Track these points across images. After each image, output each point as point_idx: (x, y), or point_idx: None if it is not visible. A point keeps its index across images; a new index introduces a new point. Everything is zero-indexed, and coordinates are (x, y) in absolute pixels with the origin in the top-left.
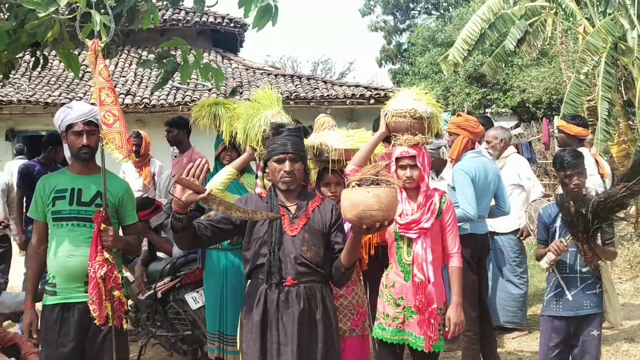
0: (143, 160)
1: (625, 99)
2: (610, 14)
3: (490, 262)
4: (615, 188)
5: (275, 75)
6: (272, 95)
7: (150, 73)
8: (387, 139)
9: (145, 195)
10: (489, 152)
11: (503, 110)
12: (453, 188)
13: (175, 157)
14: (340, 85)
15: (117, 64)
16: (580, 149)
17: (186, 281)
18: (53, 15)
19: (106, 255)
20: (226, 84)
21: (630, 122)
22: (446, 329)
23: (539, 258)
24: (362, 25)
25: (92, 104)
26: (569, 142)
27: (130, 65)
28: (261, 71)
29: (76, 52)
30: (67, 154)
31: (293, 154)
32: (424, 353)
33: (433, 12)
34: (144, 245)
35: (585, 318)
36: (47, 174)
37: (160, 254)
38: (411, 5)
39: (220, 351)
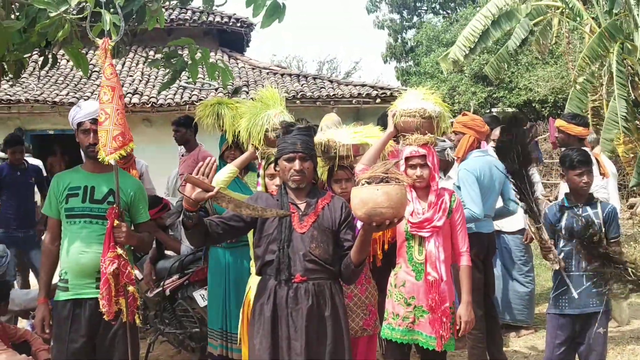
0: (128, 162)
1: (632, 98)
2: (616, 14)
3: (496, 261)
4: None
5: (282, 75)
6: (275, 95)
7: (157, 72)
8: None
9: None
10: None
11: (509, 109)
12: (459, 187)
13: (183, 155)
14: (347, 85)
15: (124, 63)
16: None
17: (194, 279)
18: (64, 15)
19: (119, 251)
20: (232, 83)
21: (638, 122)
22: (457, 327)
23: (545, 256)
24: (367, 22)
25: None
26: (569, 142)
27: (137, 64)
28: (267, 71)
29: (84, 51)
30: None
31: (303, 153)
32: (433, 352)
33: (440, 11)
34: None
35: (591, 316)
36: (61, 172)
37: (167, 252)
38: (418, 4)
39: (224, 348)
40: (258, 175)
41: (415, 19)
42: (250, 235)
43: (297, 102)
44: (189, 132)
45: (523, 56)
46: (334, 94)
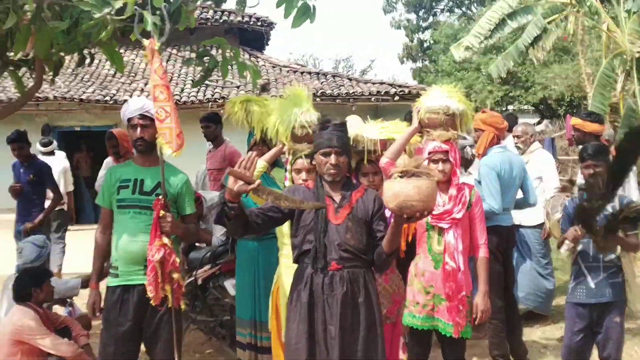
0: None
1: None
2: (635, 12)
3: (516, 253)
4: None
5: (302, 73)
6: (302, 93)
7: (180, 70)
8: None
9: None
10: (518, 146)
11: (525, 107)
12: (479, 182)
13: (210, 151)
14: (365, 83)
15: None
16: None
17: (226, 269)
18: (107, 16)
19: (165, 240)
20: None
21: None
22: (473, 315)
23: (559, 245)
24: (383, 23)
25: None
26: (584, 140)
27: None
28: (287, 69)
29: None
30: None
31: (339, 148)
32: (452, 339)
33: (456, 9)
34: None
35: (608, 305)
36: (115, 165)
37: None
38: (434, 4)
39: (252, 337)
40: (286, 170)
41: (431, 18)
42: (278, 228)
43: (317, 99)
44: (217, 128)
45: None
46: (353, 92)
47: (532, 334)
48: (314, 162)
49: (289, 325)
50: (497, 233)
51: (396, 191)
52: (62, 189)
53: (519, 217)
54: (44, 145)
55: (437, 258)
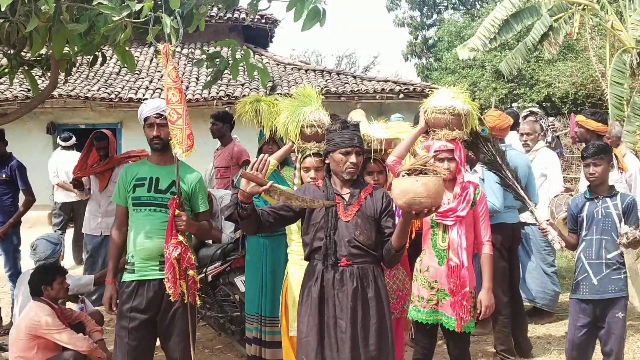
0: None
1: None
2: (636, 9)
3: (521, 248)
4: None
5: (306, 71)
6: (311, 92)
7: (185, 68)
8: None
9: None
10: (527, 143)
11: (529, 105)
12: (484, 180)
13: (217, 149)
14: (370, 80)
15: (151, 60)
16: None
17: (235, 265)
18: (126, 19)
19: (180, 238)
20: (258, 79)
21: None
22: (477, 311)
23: (567, 244)
24: (386, 20)
25: (137, 100)
26: (588, 137)
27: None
28: (291, 66)
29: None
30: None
31: (359, 148)
32: (456, 333)
33: (460, 7)
34: None
35: (610, 301)
36: (130, 164)
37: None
38: (438, 1)
39: (258, 331)
40: (295, 168)
41: (435, 16)
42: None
43: (322, 97)
44: (225, 127)
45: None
46: (357, 90)
47: (536, 329)
48: (327, 161)
49: (300, 320)
50: (502, 230)
51: (404, 188)
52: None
53: (525, 214)
54: (65, 140)
55: (442, 254)
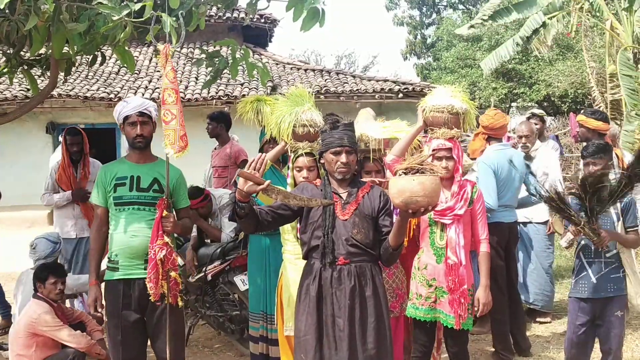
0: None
1: None
2: (636, 11)
3: (522, 249)
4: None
5: (305, 70)
6: (304, 92)
7: (184, 68)
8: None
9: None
10: (526, 145)
11: (529, 104)
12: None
13: (215, 149)
14: (369, 80)
15: (150, 59)
16: None
17: (235, 264)
18: (126, 19)
19: (166, 239)
20: (257, 79)
21: None
22: (475, 308)
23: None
24: (385, 19)
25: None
26: (589, 137)
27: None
28: (290, 66)
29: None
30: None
31: (349, 147)
32: (454, 330)
33: (459, 6)
34: (193, 232)
35: (609, 300)
36: (107, 164)
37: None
38: (437, 0)
39: (264, 330)
40: (288, 168)
41: (434, 15)
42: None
43: (321, 97)
44: (220, 127)
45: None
46: (357, 89)
47: (535, 328)
48: (322, 161)
49: (298, 318)
50: (499, 229)
51: (401, 187)
52: None
53: (529, 214)
54: None
55: (440, 252)
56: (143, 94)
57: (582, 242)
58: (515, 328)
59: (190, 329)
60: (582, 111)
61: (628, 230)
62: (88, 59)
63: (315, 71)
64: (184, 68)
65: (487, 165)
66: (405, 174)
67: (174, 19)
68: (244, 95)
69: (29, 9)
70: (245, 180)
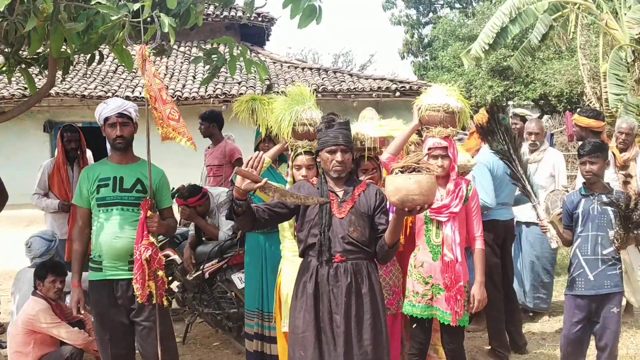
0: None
1: None
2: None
3: (525, 250)
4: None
5: (302, 69)
6: (305, 91)
7: (181, 66)
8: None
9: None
10: (534, 143)
11: (525, 103)
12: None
13: (209, 147)
14: (366, 79)
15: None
16: None
17: (232, 262)
18: (124, 19)
19: (151, 239)
20: (255, 77)
21: None
22: (470, 304)
23: (563, 242)
24: (382, 18)
25: (134, 98)
26: (584, 135)
27: (161, 59)
28: (288, 64)
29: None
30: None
31: (344, 146)
32: (450, 327)
33: (456, 5)
34: (191, 230)
35: (606, 297)
36: (90, 165)
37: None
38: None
39: (259, 327)
40: (288, 166)
41: (431, 14)
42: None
43: (319, 95)
44: (212, 126)
45: (539, 51)
46: (354, 88)
47: (531, 325)
48: (319, 159)
49: (295, 315)
50: (494, 227)
51: (398, 186)
52: None
53: (530, 213)
54: None
55: (436, 250)
56: (140, 93)
57: (579, 240)
58: (511, 325)
59: (188, 326)
60: (578, 111)
61: None
62: (86, 57)
63: (313, 70)
64: (181, 67)
65: (483, 164)
66: (402, 172)
67: (172, 19)
68: (241, 94)
69: (28, 9)
70: (242, 178)
